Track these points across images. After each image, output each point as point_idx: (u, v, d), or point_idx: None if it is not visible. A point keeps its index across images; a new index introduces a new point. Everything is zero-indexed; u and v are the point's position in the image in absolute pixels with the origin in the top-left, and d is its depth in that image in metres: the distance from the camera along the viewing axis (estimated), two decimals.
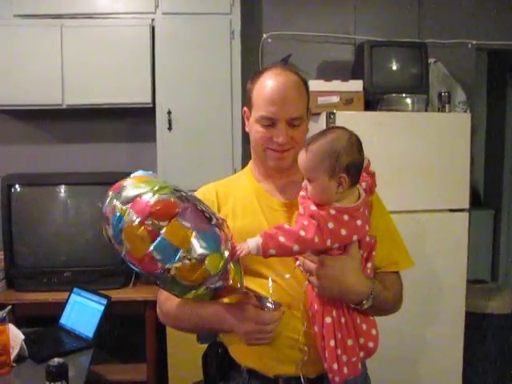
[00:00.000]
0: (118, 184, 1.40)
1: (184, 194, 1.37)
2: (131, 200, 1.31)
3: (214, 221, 1.35)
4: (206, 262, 1.27)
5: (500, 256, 5.67)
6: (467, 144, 3.11)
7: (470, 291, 3.28)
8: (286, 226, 1.37)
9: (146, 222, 1.27)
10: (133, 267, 1.34)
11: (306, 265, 1.42)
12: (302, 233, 1.33)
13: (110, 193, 1.38)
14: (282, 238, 1.33)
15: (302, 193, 1.47)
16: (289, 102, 1.52)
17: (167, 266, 1.26)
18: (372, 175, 1.53)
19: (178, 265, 1.26)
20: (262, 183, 1.65)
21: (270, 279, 1.47)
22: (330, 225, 1.35)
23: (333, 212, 1.36)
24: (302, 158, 1.41)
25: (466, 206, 3.16)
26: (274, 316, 1.39)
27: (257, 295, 1.45)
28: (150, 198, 1.30)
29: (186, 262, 1.26)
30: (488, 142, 5.71)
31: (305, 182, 1.43)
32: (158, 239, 1.26)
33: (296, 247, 1.33)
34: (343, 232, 1.36)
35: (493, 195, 5.75)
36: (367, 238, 1.45)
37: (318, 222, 1.34)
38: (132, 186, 1.36)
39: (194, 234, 1.28)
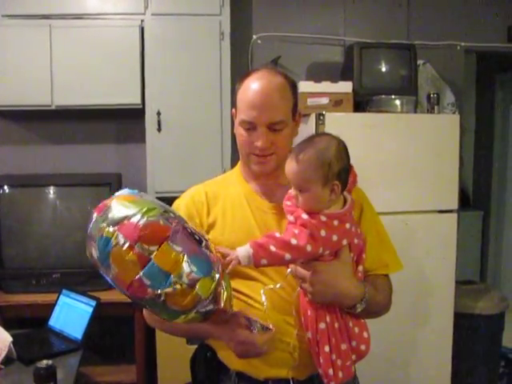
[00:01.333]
0: (103, 204, 1.34)
1: (172, 215, 1.33)
2: (118, 222, 1.26)
3: (203, 243, 1.33)
4: (197, 286, 1.24)
5: (488, 257, 5.71)
6: (456, 145, 3.12)
7: (458, 292, 3.30)
8: (277, 235, 1.35)
9: (136, 247, 1.23)
10: (120, 291, 1.29)
11: (299, 272, 1.41)
12: (294, 241, 1.32)
13: (95, 214, 1.32)
14: (273, 248, 1.32)
15: (287, 202, 1.44)
16: (269, 106, 1.49)
17: (158, 291, 1.22)
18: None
19: (169, 290, 1.22)
20: (251, 184, 1.64)
21: (262, 292, 1.46)
22: (323, 232, 1.34)
23: (324, 219, 1.36)
24: (293, 168, 1.38)
25: (455, 207, 3.17)
26: (264, 338, 1.38)
27: (247, 317, 1.42)
28: (138, 221, 1.25)
29: (177, 287, 1.22)
30: (477, 143, 5.75)
31: (293, 192, 1.41)
32: (149, 264, 1.22)
33: (288, 256, 1.33)
34: (335, 238, 1.36)
35: (482, 196, 5.79)
36: (355, 241, 1.44)
37: (310, 230, 1.33)
38: (118, 207, 1.30)
39: (185, 258, 1.24)
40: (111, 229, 1.25)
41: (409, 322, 3.09)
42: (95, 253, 1.28)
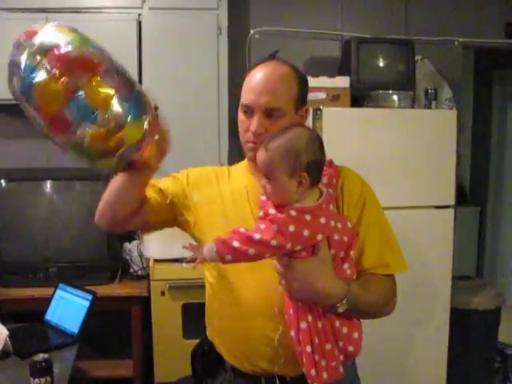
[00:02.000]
0: (32, 30, 1.20)
1: (107, 53, 1.26)
2: (47, 50, 1.15)
3: (137, 87, 1.27)
4: (124, 129, 1.18)
5: (485, 253, 5.72)
6: (453, 141, 3.13)
7: (455, 287, 3.30)
8: (242, 230, 1.31)
9: (64, 78, 1.13)
10: (43, 130, 1.19)
11: (277, 268, 1.38)
12: (257, 236, 1.28)
13: (22, 40, 1.20)
14: (236, 243, 1.29)
15: (262, 197, 1.42)
16: (267, 91, 1.48)
17: (81, 127, 1.14)
18: (329, 164, 1.48)
19: (93, 128, 1.15)
20: (256, 175, 1.60)
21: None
22: (291, 227, 1.30)
23: (293, 213, 1.32)
24: (261, 156, 1.37)
25: (452, 202, 3.17)
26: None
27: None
28: (69, 52, 1.15)
29: (103, 125, 1.15)
30: (474, 139, 5.75)
31: (263, 182, 1.38)
32: (75, 97, 1.13)
33: (252, 251, 1.29)
34: (306, 233, 1.31)
35: (479, 192, 5.80)
36: (336, 237, 1.38)
37: (277, 225, 1.30)
38: (49, 34, 1.18)
39: (115, 97, 1.17)
40: (38, 57, 1.15)
41: (405, 317, 3.08)
42: (17, 83, 1.18)
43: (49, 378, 1.93)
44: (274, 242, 1.28)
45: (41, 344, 2.49)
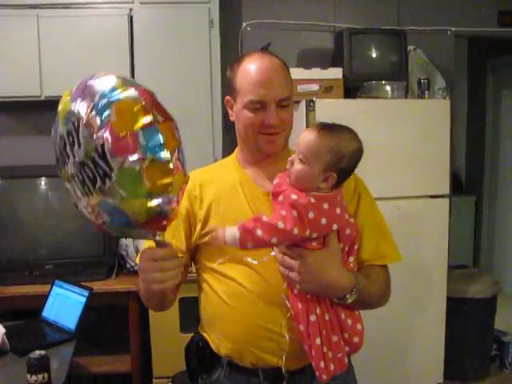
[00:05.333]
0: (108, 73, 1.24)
1: None
2: (132, 82, 1.21)
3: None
4: (176, 175, 1.20)
5: (481, 241, 5.74)
6: (447, 130, 3.13)
7: (451, 276, 3.32)
8: (264, 218, 1.33)
9: (146, 105, 1.17)
10: (100, 141, 1.16)
11: (286, 261, 1.39)
12: (281, 225, 1.30)
13: (103, 73, 1.24)
14: (259, 232, 1.30)
15: (276, 180, 1.44)
16: (277, 82, 1.50)
17: (147, 154, 1.14)
18: None
19: (156, 159, 1.15)
20: (248, 170, 1.62)
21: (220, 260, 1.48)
22: (311, 214, 1.32)
23: (313, 200, 1.34)
24: (310, 137, 1.38)
25: (447, 192, 3.18)
26: (167, 252, 1.28)
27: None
28: (150, 91, 1.22)
29: (164, 162, 1.17)
30: (469, 128, 5.76)
31: (292, 158, 1.40)
32: (152, 127, 1.16)
33: (274, 240, 1.31)
34: (323, 221, 1.34)
35: (474, 181, 5.81)
36: (347, 231, 1.42)
37: (298, 211, 1.31)
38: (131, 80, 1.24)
39: (180, 146, 1.22)
40: (127, 85, 1.19)
41: (402, 306, 3.10)
42: (90, 102, 1.18)
43: (46, 375, 1.93)
44: (295, 231, 1.31)
45: (38, 341, 2.49)
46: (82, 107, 1.18)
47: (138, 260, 1.40)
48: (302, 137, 1.40)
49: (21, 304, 3.05)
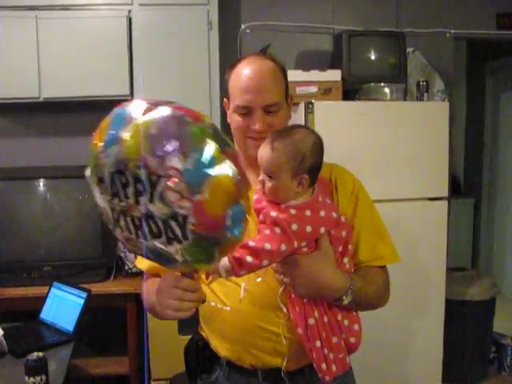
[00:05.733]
0: (202, 114, 1.15)
1: None
2: (225, 147, 1.10)
3: None
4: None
5: (480, 244, 5.74)
6: (446, 132, 3.13)
7: (450, 279, 3.31)
8: (251, 243, 1.30)
9: (238, 182, 1.09)
10: (177, 208, 1.08)
11: (280, 267, 1.40)
12: (268, 246, 1.29)
13: (191, 119, 1.13)
14: (249, 258, 1.29)
15: (255, 196, 1.43)
16: (263, 89, 1.50)
17: (228, 234, 1.10)
18: None
19: (233, 237, 1.12)
20: (246, 172, 1.63)
21: (242, 286, 1.46)
22: (294, 226, 1.32)
23: (293, 212, 1.34)
24: (266, 153, 1.37)
25: (445, 194, 3.18)
26: (191, 284, 1.28)
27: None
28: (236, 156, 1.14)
29: (239, 237, 1.13)
30: (468, 130, 5.76)
31: (262, 178, 1.39)
32: (239, 204, 1.10)
33: (265, 262, 1.30)
34: (309, 229, 1.34)
35: (473, 184, 5.81)
36: (332, 232, 1.41)
37: (281, 227, 1.31)
38: (218, 132, 1.13)
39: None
40: (220, 149, 1.08)
41: (400, 308, 3.09)
42: (183, 164, 1.05)
43: (44, 377, 1.93)
44: (283, 247, 1.30)
45: (36, 343, 2.49)
46: (167, 160, 1.06)
47: (138, 264, 1.40)
48: (259, 155, 1.40)
49: (19, 306, 3.05)
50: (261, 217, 1.38)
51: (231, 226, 1.10)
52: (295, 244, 1.32)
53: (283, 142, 1.37)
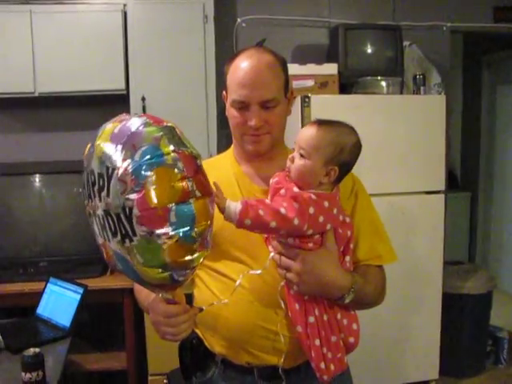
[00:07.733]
0: (161, 120, 1.21)
1: None
2: (180, 148, 1.15)
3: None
4: (198, 253, 1.17)
5: (477, 237, 5.75)
6: (442, 126, 3.13)
7: (447, 272, 3.32)
8: (267, 201, 1.33)
9: (187, 180, 1.12)
10: (125, 200, 1.12)
11: (284, 261, 1.38)
12: (283, 211, 1.29)
13: (150, 120, 1.20)
14: (261, 211, 1.28)
15: (275, 179, 1.42)
16: (260, 84, 1.47)
17: (172, 232, 1.11)
18: None
19: (182, 239, 1.12)
20: (243, 166, 1.61)
21: (240, 277, 1.43)
22: (311, 210, 1.31)
23: (314, 197, 1.34)
24: (309, 131, 1.38)
25: (442, 188, 3.18)
26: (179, 309, 1.30)
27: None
28: (198, 160, 1.18)
29: (190, 242, 1.13)
30: (464, 124, 5.76)
31: (293, 155, 1.39)
32: (185, 203, 1.12)
33: (273, 223, 1.29)
34: (321, 219, 1.34)
35: (470, 177, 5.82)
36: (340, 230, 1.41)
37: (300, 204, 1.31)
38: (181, 135, 1.19)
39: (209, 225, 1.19)
40: (171, 147, 1.13)
41: (397, 302, 3.10)
42: (131, 156, 1.13)
43: (41, 372, 1.93)
44: (295, 221, 1.30)
45: (32, 338, 2.49)
46: (120, 157, 1.14)
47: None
48: (302, 132, 1.40)
49: (15, 301, 3.03)
50: (282, 191, 1.37)
51: (176, 223, 1.11)
52: (305, 227, 1.32)
53: (330, 128, 1.38)
